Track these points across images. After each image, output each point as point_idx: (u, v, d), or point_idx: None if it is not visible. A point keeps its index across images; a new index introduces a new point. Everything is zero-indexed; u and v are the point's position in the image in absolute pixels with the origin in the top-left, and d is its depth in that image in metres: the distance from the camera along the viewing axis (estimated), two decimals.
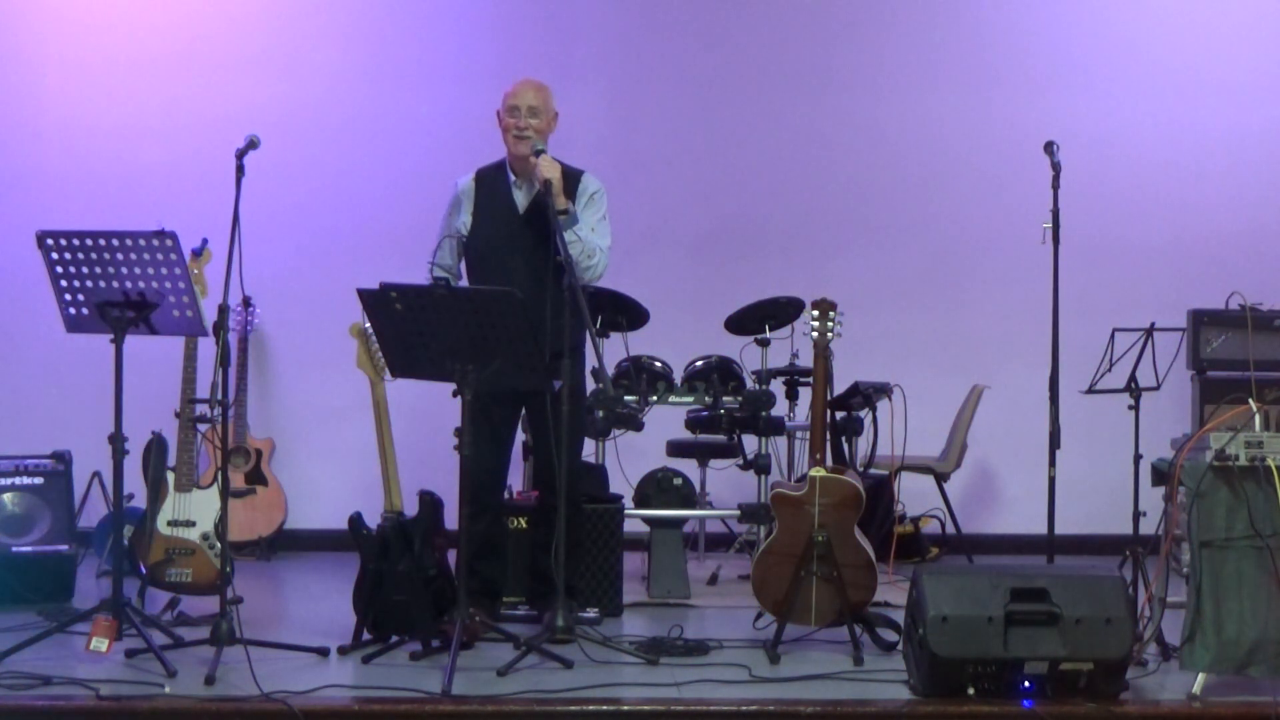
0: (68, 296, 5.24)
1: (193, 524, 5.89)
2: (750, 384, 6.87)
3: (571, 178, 5.82)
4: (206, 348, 5.74)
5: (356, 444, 7.06)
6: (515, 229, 5.79)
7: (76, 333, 5.33)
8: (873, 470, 7.20)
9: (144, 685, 4.85)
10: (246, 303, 7.68)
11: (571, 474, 5.76)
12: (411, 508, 5.61)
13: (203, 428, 5.66)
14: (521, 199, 5.83)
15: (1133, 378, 6.24)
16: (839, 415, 7.06)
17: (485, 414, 5.61)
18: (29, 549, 6.29)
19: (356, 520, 5.61)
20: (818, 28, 8.17)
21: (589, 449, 6.90)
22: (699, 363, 6.92)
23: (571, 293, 5.37)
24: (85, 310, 5.25)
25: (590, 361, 5.77)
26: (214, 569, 5.74)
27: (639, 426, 6.86)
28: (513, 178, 5.84)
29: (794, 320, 6.97)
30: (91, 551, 6.66)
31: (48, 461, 6.48)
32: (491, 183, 5.89)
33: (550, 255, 5.49)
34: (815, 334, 5.68)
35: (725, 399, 6.79)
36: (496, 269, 5.74)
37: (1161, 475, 5.09)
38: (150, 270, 5.14)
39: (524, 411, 6.04)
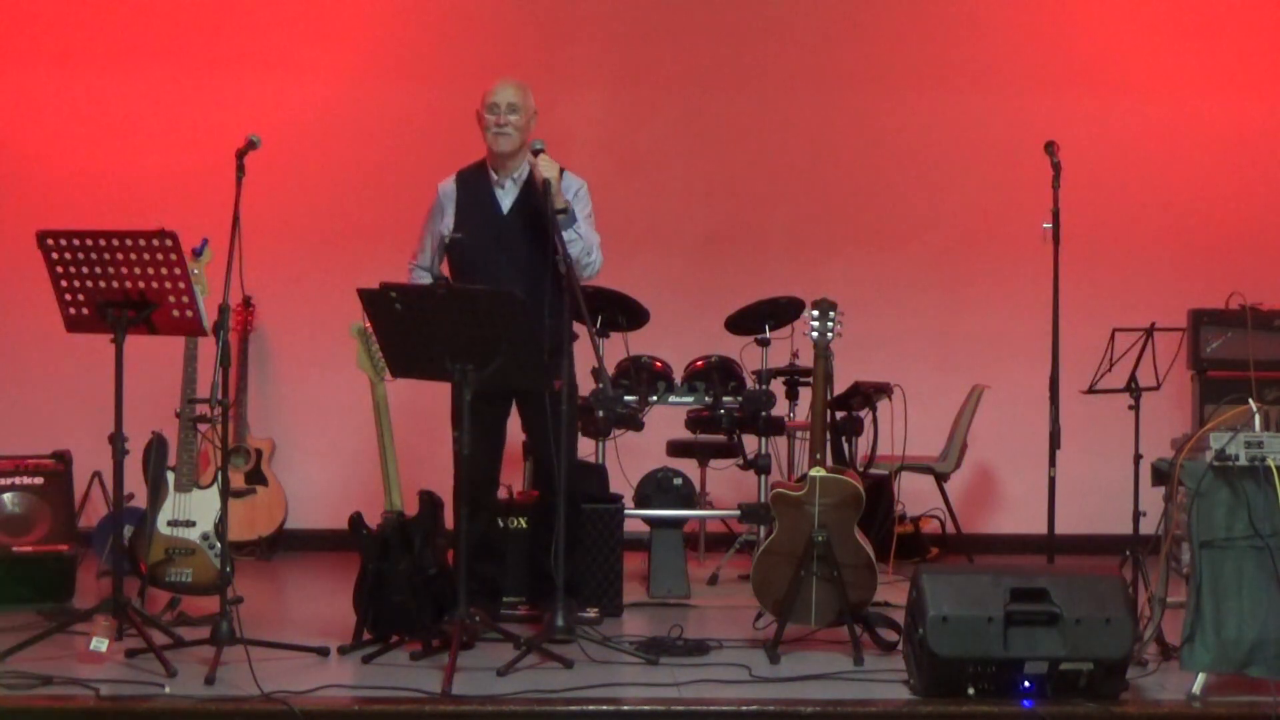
0: (68, 296, 5.24)
1: (193, 524, 5.89)
2: (750, 384, 6.87)
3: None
4: (206, 348, 5.74)
5: (356, 444, 7.08)
6: (499, 228, 5.79)
7: (76, 333, 5.33)
8: (873, 470, 7.20)
9: (144, 685, 4.85)
10: (246, 303, 7.69)
11: (570, 472, 5.77)
12: (411, 508, 5.61)
13: (203, 428, 5.66)
14: (504, 198, 5.82)
15: (1133, 378, 6.23)
16: (839, 415, 7.07)
17: (476, 414, 5.61)
18: (29, 549, 6.29)
19: (356, 520, 5.61)
20: (818, 28, 8.17)
21: (589, 449, 6.91)
22: (699, 363, 6.92)
23: (571, 292, 5.37)
24: (85, 310, 5.24)
25: (580, 361, 5.77)
26: (214, 569, 5.74)
27: (639, 426, 6.86)
28: (494, 176, 5.84)
29: (794, 320, 6.97)
30: (91, 551, 6.66)
31: (48, 461, 6.48)
32: (473, 183, 5.89)
33: (536, 252, 5.46)
34: (815, 334, 5.68)
35: (725, 399, 6.79)
36: (482, 269, 5.74)
37: (1161, 475, 5.09)
38: (150, 270, 5.14)
39: (518, 411, 6.03)
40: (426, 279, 5.88)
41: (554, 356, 5.42)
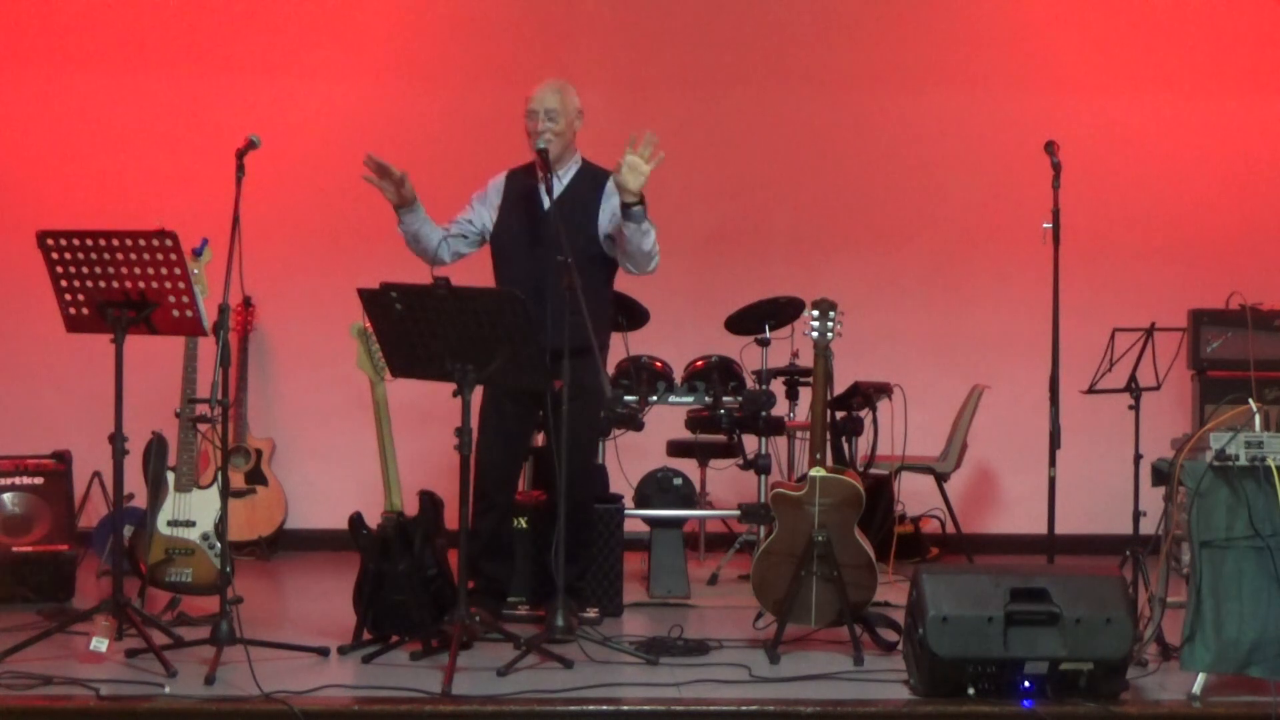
0: (68, 296, 5.24)
1: (193, 524, 5.89)
2: (750, 384, 6.87)
3: (600, 176, 5.86)
4: (206, 348, 5.74)
5: (356, 444, 7.07)
6: (540, 225, 5.81)
7: (76, 333, 5.33)
8: (873, 470, 7.20)
9: (144, 685, 4.85)
10: (246, 303, 7.69)
11: (586, 474, 5.77)
12: (411, 508, 5.61)
13: (203, 428, 5.66)
14: (547, 196, 5.84)
15: (1133, 378, 6.24)
16: (839, 415, 7.07)
17: (499, 410, 5.62)
18: (29, 549, 6.29)
19: (356, 520, 5.61)
20: (818, 27, 8.17)
21: None
22: (699, 363, 6.92)
23: (572, 292, 5.36)
24: (85, 310, 5.24)
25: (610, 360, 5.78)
26: (214, 569, 5.75)
27: (639, 426, 6.86)
28: (540, 174, 5.86)
29: (794, 320, 6.97)
30: (92, 551, 6.66)
31: (48, 461, 6.48)
32: (520, 181, 5.95)
33: (576, 251, 5.45)
34: (815, 334, 5.68)
35: (725, 399, 6.79)
36: (521, 264, 5.78)
37: (1161, 475, 5.09)
38: (150, 270, 5.14)
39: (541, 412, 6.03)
40: (436, 243, 5.89)
41: (568, 357, 5.39)
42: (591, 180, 5.82)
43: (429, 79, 8.04)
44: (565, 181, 5.85)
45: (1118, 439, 6.32)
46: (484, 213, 5.97)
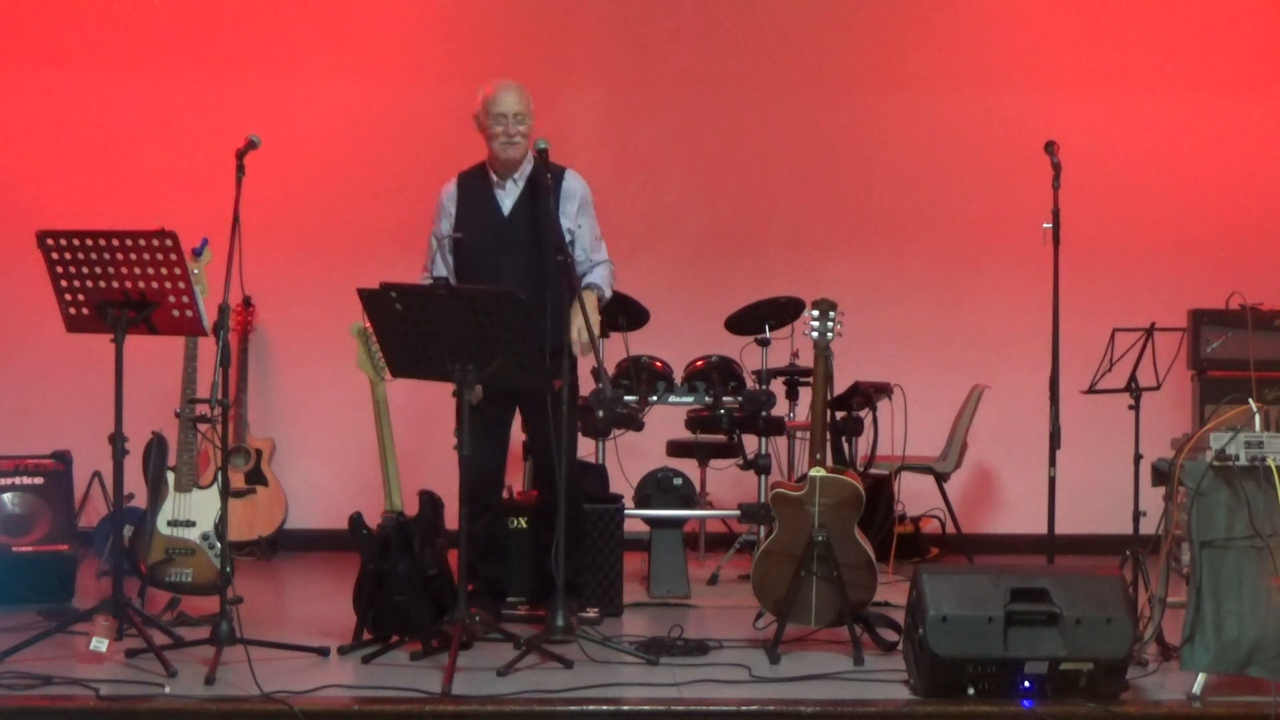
0: (68, 296, 5.24)
1: (193, 524, 5.89)
2: (750, 384, 6.87)
3: (555, 172, 5.80)
4: (206, 348, 5.75)
5: (356, 444, 7.07)
6: (500, 229, 5.80)
7: (76, 333, 5.33)
8: (873, 470, 7.20)
9: (144, 685, 4.85)
10: (246, 303, 7.69)
11: (571, 472, 5.76)
12: (411, 508, 5.61)
13: (203, 428, 5.66)
14: (505, 199, 5.83)
15: (1133, 378, 6.24)
16: (839, 415, 7.07)
17: (479, 413, 5.61)
18: (29, 549, 6.29)
19: (356, 520, 5.61)
20: (818, 28, 8.17)
21: (589, 449, 6.91)
22: (699, 363, 6.92)
23: (572, 292, 5.37)
24: (85, 310, 5.24)
25: (580, 361, 5.78)
26: (214, 569, 5.75)
27: (639, 426, 6.86)
28: (495, 178, 5.84)
29: (794, 320, 6.97)
30: (92, 551, 6.66)
31: (48, 461, 6.48)
32: (474, 185, 5.90)
33: (537, 253, 5.46)
34: (815, 334, 5.68)
35: (725, 399, 6.79)
36: (484, 269, 5.75)
37: (1161, 475, 5.09)
38: (150, 270, 5.14)
39: (520, 411, 6.04)
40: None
41: (556, 357, 5.42)
42: (545, 178, 5.78)
43: (429, 79, 8.03)
44: (521, 182, 5.81)
45: (1118, 439, 6.32)
46: (448, 226, 5.92)
